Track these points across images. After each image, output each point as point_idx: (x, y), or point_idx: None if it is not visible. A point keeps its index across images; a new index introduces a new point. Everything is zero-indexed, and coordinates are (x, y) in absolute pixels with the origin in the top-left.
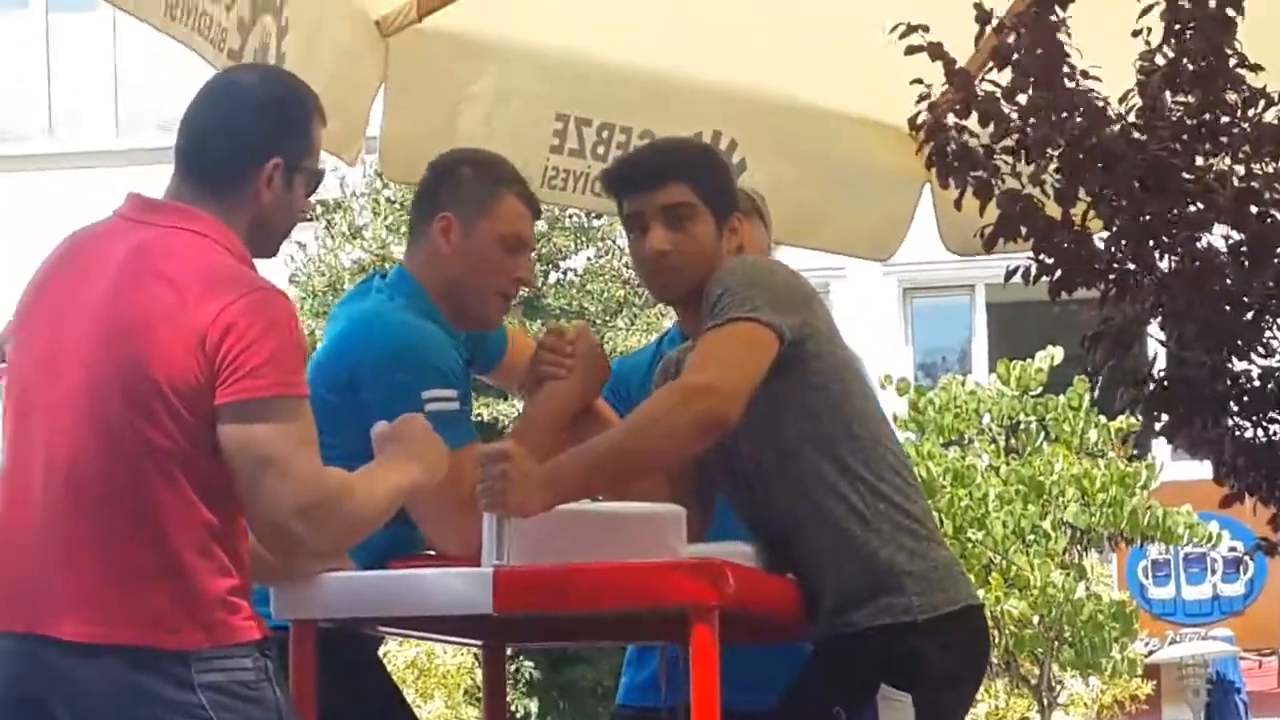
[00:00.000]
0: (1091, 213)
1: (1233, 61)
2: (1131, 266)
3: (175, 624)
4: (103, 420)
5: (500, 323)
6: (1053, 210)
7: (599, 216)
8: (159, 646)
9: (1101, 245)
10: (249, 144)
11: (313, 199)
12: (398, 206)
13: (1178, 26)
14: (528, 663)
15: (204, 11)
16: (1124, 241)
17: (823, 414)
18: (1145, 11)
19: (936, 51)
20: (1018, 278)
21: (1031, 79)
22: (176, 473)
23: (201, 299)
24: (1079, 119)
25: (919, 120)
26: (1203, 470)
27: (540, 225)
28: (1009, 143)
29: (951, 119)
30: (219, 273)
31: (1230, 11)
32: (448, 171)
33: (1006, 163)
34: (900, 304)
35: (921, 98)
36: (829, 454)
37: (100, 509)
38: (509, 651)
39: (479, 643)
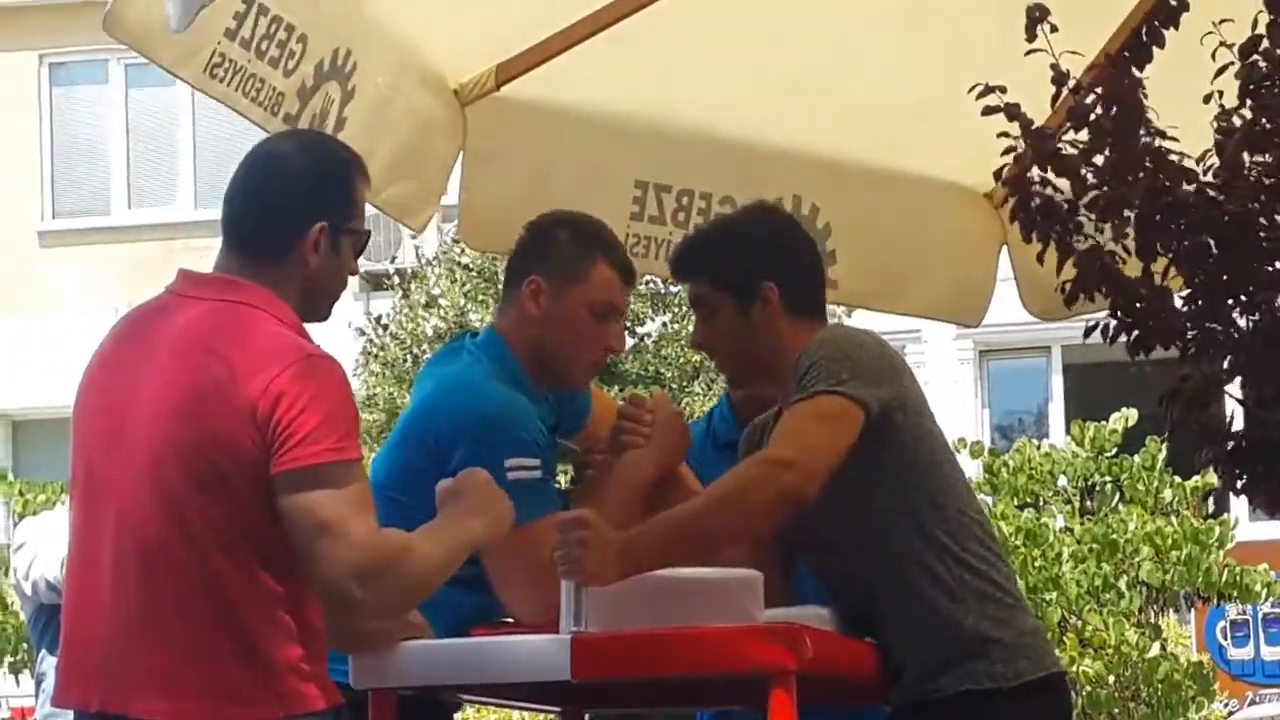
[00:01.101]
0: (1171, 271)
1: None
2: (1210, 325)
3: (249, 696)
4: (166, 499)
5: (585, 385)
6: (1133, 268)
7: (675, 283)
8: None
9: (1180, 304)
10: (292, 210)
11: (391, 269)
12: (475, 274)
13: (1252, 86)
14: None
15: (252, 74)
16: (1202, 300)
17: (909, 486)
18: (1220, 72)
19: (1013, 112)
20: (1096, 336)
21: (1109, 138)
22: (240, 546)
23: (251, 371)
24: (1158, 176)
25: (1004, 174)
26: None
27: None
28: (1089, 199)
29: (1035, 173)
30: (268, 343)
31: None
32: (542, 233)
33: (1089, 218)
34: (976, 366)
35: (1006, 150)
36: (915, 525)
37: (168, 586)
38: (586, 717)
39: (557, 709)
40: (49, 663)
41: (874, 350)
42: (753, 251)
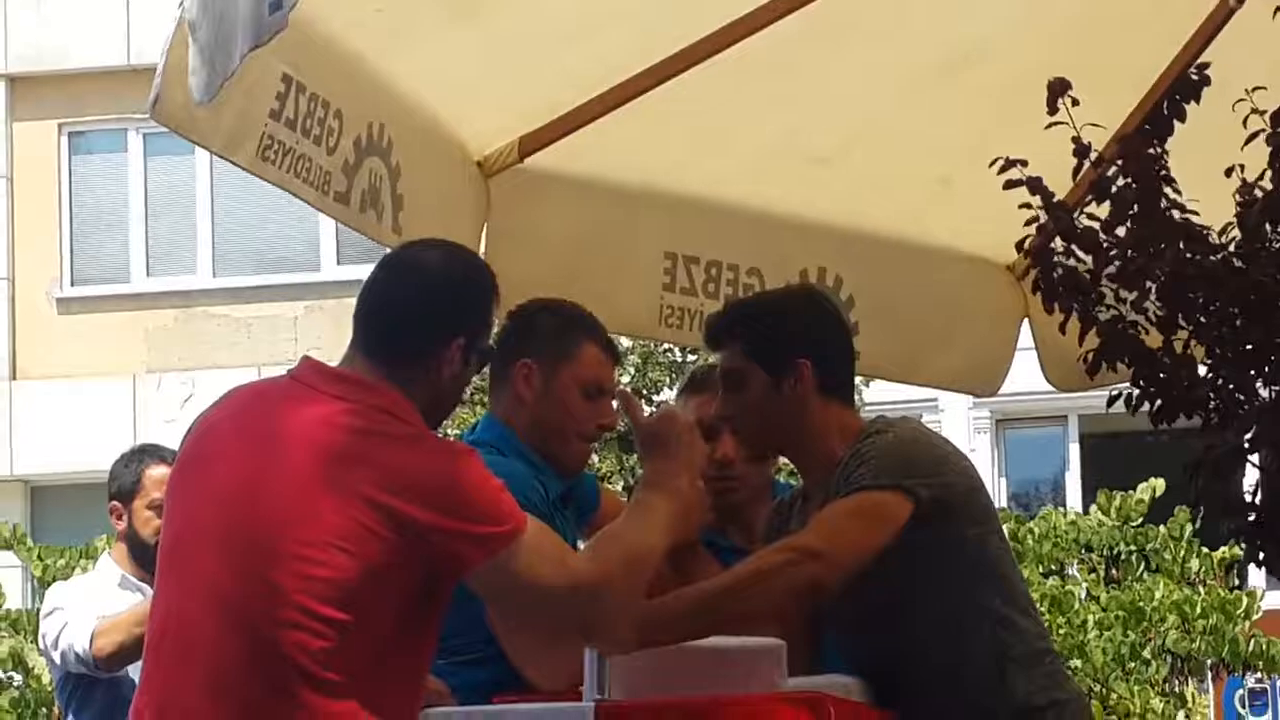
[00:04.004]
0: (1194, 341)
1: None
2: (1234, 395)
3: None
4: (276, 596)
5: (582, 465)
6: (1154, 339)
7: (693, 352)
8: None
9: (1203, 373)
10: (439, 322)
11: None
12: None
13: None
14: None
15: (301, 154)
16: (1225, 370)
17: (962, 562)
18: (1250, 139)
19: (1035, 185)
20: (1117, 406)
21: (1130, 211)
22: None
23: (393, 474)
24: (1180, 246)
25: (1027, 245)
26: None
27: (634, 359)
28: (1112, 269)
29: (1058, 243)
30: (405, 445)
31: None
32: (528, 319)
33: (1111, 289)
34: (993, 435)
35: (1029, 221)
36: (967, 596)
37: (259, 682)
38: None
39: None
40: None
41: (924, 445)
42: (792, 327)
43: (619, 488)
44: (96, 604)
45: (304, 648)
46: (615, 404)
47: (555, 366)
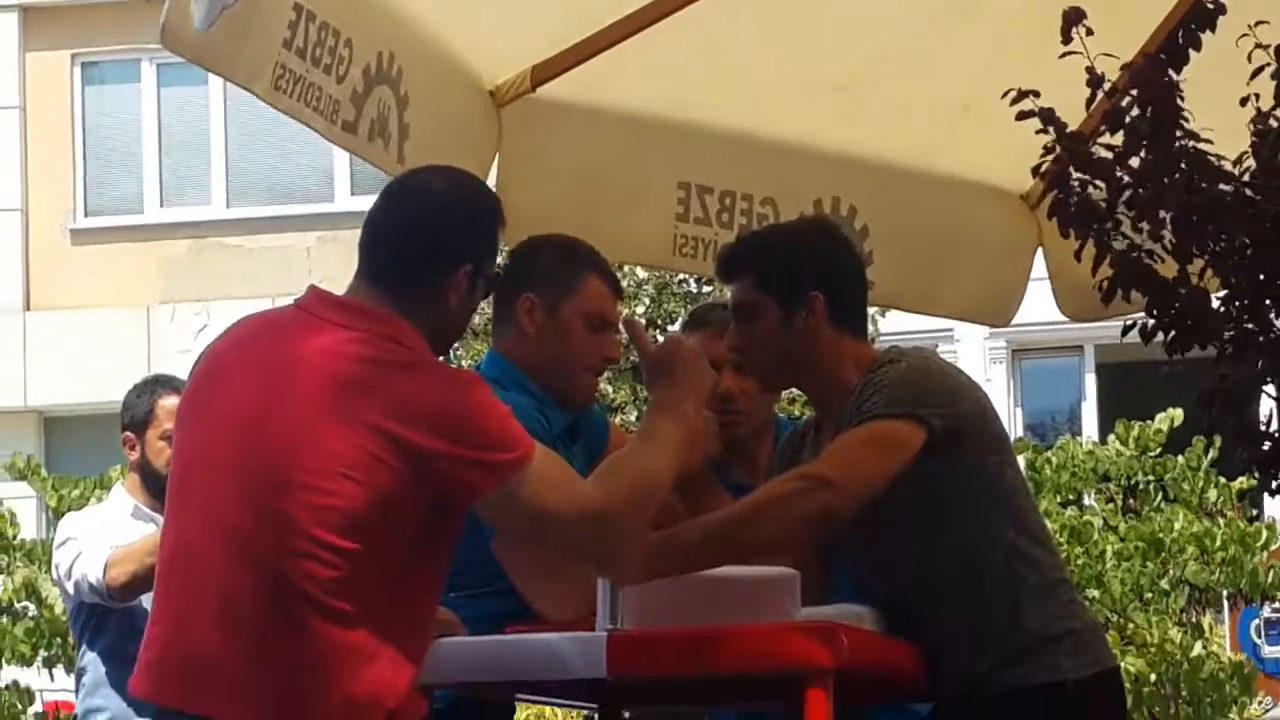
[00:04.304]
0: (1209, 271)
1: None
2: (1247, 325)
3: (365, 716)
4: (289, 518)
5: (590, 398)
6: (1169, 269)
7: (709, 283)
8: None
9: (1217, 304)
10: (446, 249)
11: None
12: None
13: None
14: None
15: (311, 83)
16: (1239, 301)
17: (976, 492)
18: (1256, 74)
19: (1048, 116)
20: (1132, 336)
21: (1144, 141)
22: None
23: (400, 402)
24: (1194, 177)
25: (1042, 170)
26: None
27: (651, 290)
28: (1127, 197)
29: (1075, 171)
30: (411, 372)
31: None
32: (530, 254)
33: (1127, 217)
34: (1009, 366)
35: (1046, 149)
36: (986, 529)
37: (282, 604)
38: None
39: (594, 706)
40: (89, 658)
41: (936, 373)
42: (805, 259)
43: (633, 418)
44: (110, 534)
45: (313, 577)
46: (620, 336)
47: (558, 300)
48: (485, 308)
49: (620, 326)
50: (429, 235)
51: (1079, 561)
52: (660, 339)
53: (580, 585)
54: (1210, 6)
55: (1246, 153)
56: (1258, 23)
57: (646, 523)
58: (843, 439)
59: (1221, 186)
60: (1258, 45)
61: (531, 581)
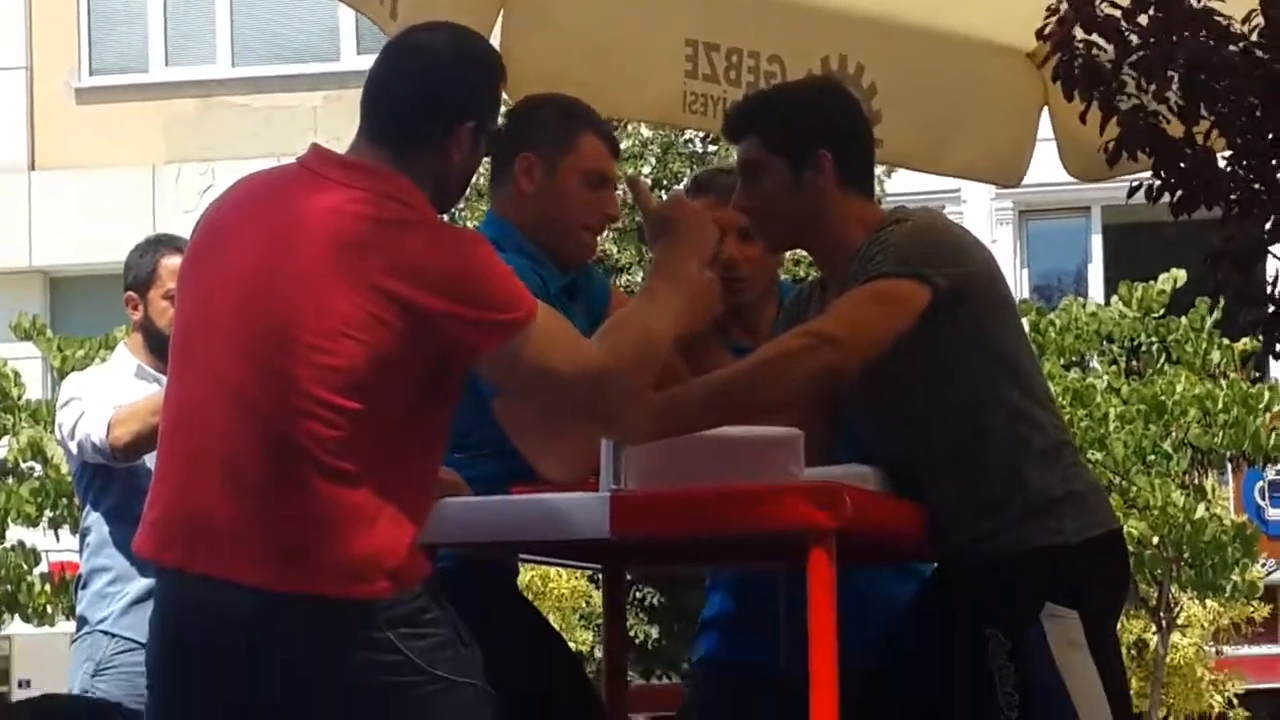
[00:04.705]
0: (1215, 132)
1: None
2: (1254, 185)
3: (368, 575)
4: (293, 377)
5: (588, 257)
6: (1175, 129)
7: (715, 142)
8: (351, 595)
9: (1224, 164)
10: (446, 106)
11: None
12: None
13: None
14: (649, 589)
15: None
16: (1246, 161)
17: (979, 351)
18: None
19: None
20: (1139, 197)
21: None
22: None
23: (403, 260)
24: (1201, 37)
25: (1046, 32)
26: None
27: (656, 150)
28: (1133, 59)
29: (1079, 33)
30: (414, 231)
31: None
32: (528, 113)
33: (1132, 77)
34: (1015, 226)
35: (1050, 10)
36: (990, 390)
37: (286, 459)
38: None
39: (597, 566)
40: (93, 518)
41: (942, 232)
42: (812, 119)
43: (638, 279)
44: (113, 393)
45: (316, 436)
46: (623, 194)
47: (557, 158)
48: (486, 168)
49: (624, 185)
50: (430, 92)
51: (1082, 424)
52: (664, 198)
53: (582, 445)
54: None
55: (1255, 11)
56: None
57: (649, 382)
58: (847, 297)
59: (1230, 47)
60: None
61: (533, 442)
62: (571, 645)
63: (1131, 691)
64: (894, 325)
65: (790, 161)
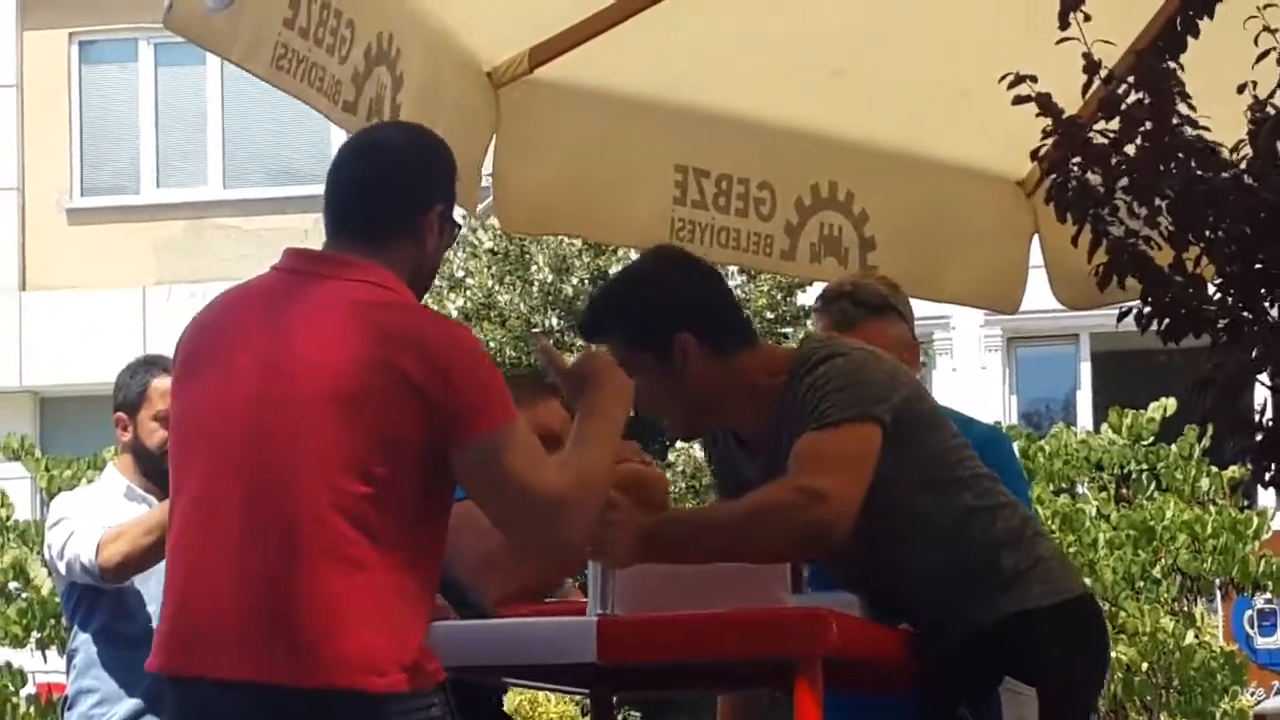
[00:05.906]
0: (1204, 259)
1: None
2: (1242, 314)
3: (383, 668)
4: (314, 471)
5: None
6: (1165, 256)
7: None
8: (367, 689)
9: (1213, 292)
10: (414, 193)
11: None
12: (500, 257)
13: None
14: (634, 713)
15: (315, 63)
16: (1235, 289)
17: (927, 473)
18: (1262, 57)
19: (1044, 102)
20: (1128, 324)
21: (1140, 128)
22: (380, 520)
23: (408, 337)
24: (1191, 164)
25: (1041, 154)
26: None
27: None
28: (1126, 183)
29: (1072, 156)
30: (410, 314)
31: None
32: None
33: (1124, 202)
34: (1004, 353)
35: (1045, 133)
36: (941, 502)
37: (306, 554)
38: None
39: (585, 691)
40: (80, 639)
41: (872, 364)
42: (662, 306)
43: None
44: (103, 514)
45: (327, 522)
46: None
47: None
48: (449, 256)
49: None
50: (398, 180)
51: (1071, 549)
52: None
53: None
54: None
55: (1243, 140)
56: (1266, 4)
57: (595, 518)
58: (817, 448)
59: (1220, 175)
60: (1265, 29)
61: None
62: None
63: None
64: (870, 474)
65: (655, 355)
